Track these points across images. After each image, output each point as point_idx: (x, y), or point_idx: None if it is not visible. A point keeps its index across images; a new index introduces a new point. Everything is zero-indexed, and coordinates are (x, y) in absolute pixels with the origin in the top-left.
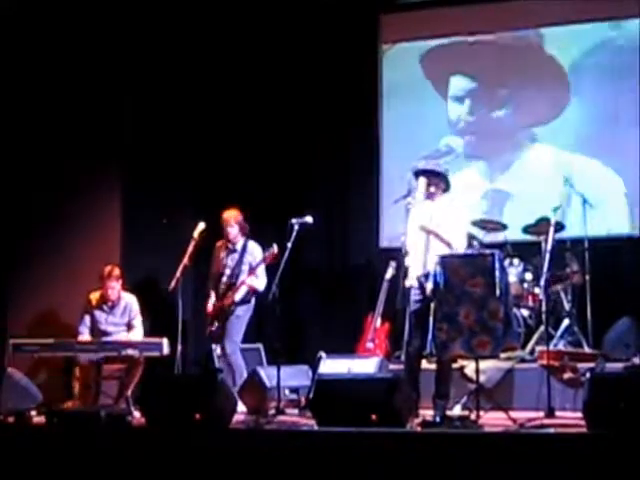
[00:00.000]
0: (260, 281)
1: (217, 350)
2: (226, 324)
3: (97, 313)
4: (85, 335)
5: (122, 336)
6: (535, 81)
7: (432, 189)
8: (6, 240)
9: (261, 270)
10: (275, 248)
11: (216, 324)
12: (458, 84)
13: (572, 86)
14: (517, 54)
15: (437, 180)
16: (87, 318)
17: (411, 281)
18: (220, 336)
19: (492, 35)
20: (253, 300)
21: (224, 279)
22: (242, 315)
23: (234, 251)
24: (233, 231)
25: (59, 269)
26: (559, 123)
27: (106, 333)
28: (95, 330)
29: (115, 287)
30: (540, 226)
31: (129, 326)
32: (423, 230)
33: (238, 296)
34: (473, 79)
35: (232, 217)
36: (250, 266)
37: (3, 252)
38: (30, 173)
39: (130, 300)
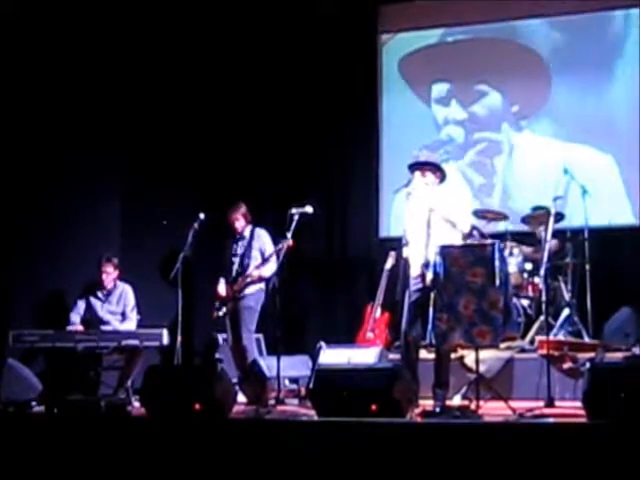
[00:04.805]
0: (267, 267)
1: (220, 339)
2: (239, 315)
3: (93, 300)
4: (76, 323)
5: (117, 325)
6: (515, 72)
7: (428, 180)
8: (7, 232)
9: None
10: (290, 240)
11: (224, 309)
12: (439, 89)
13: (556, 76)
14: (497, 47)
15: (432, 171)
16: (80, 305)
17: (415, 271)
18: (224, 323)
19: (481, 26)
20: (263, 289)
21: (234, 267)
22: (254, 305)
23: (242, 238)
24: (240, 224)
25: (60, 260)
26: (554, 113)
27: (103, 321)
28: (92, 318)
29: (110, 272)
30: (537, 215)
31: (123, 315)
32: (431, 214)
33: (249, 288)
34: (452, 81)
35: (237, 212)
36: (261, 250)
37: (4, 244)
38: (31, 166)
39: (126, 289)
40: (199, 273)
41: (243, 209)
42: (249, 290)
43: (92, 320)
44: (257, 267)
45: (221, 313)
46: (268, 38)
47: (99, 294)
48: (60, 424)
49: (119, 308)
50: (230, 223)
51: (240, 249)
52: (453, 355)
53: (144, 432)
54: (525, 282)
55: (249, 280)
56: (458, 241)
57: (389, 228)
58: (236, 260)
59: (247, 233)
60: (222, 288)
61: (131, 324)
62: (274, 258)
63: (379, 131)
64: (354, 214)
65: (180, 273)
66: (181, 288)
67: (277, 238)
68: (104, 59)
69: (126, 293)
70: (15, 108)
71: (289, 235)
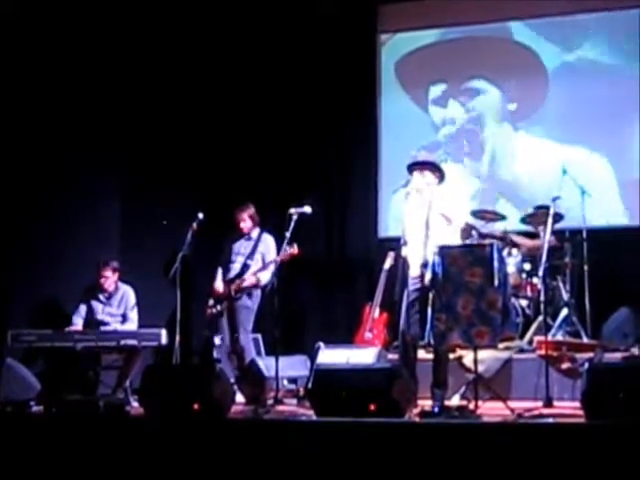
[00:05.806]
0: (263, 274)
1: (216, 340)
2: (236, 315)
3: (94, 303)
4: (78, 326)
5: (118, 327)
6: (513, 72)
7: (427, 180)
8: (7, 232)
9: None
10: (295, 248)
11: (218, 307)
12: (436, 89)
13: (553, 76)
14: (494, 46)
15: (431, 171)
16: (82, 308)
17: (414, 271)
18: (219, 323)
19: (480, 26)
20: (259, 290)
21: (235, 265)
22: (251, 306)
23: (249, 239)
24: (247, 225)
25: (60, 260)
26: (551, 114)
27: (102, 323)
28: (91, 320)
29: (110, 277)
30: (540, 215)
31: (124, 317)
32: (426, 225)
33: (246, 283)
34: (449, 81)
35: (244, 212)
36: (263, 256)
37: (4, 244)
38: (31, 166)
39: (127, 291)
40: (197, 273)
41: (251, 210)
42: (246, 286)
43: (92, 322)
44: (255, 273)
45: (215, 310)
46: (268, 38)
47: (101, 297)
48: (58, 424)
49: (120, 310)
50: (236, 222)
51: (244, 249)
52: (452, 355)
53: (142, 432)
54: (524, 282)
55: (245, 285)
56: (457, 241)
57: (388, 228)
58: (237, 259)
59: (254, 235)
60: (219, 285)
61: (132, 325)
62: (272, 267)
63: (378, 131)
64: (353, 214)
65: (179, 273)
66: (180, 288)
67: (280, 244)
68: (104, 59)
69: (127, 295)
70: (15, 108)
71: (288, 235)
